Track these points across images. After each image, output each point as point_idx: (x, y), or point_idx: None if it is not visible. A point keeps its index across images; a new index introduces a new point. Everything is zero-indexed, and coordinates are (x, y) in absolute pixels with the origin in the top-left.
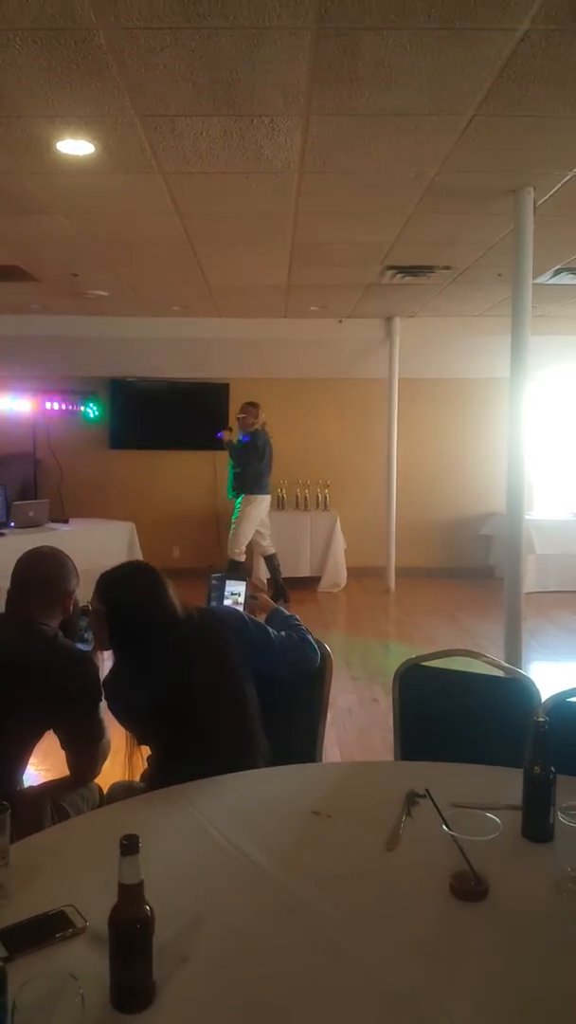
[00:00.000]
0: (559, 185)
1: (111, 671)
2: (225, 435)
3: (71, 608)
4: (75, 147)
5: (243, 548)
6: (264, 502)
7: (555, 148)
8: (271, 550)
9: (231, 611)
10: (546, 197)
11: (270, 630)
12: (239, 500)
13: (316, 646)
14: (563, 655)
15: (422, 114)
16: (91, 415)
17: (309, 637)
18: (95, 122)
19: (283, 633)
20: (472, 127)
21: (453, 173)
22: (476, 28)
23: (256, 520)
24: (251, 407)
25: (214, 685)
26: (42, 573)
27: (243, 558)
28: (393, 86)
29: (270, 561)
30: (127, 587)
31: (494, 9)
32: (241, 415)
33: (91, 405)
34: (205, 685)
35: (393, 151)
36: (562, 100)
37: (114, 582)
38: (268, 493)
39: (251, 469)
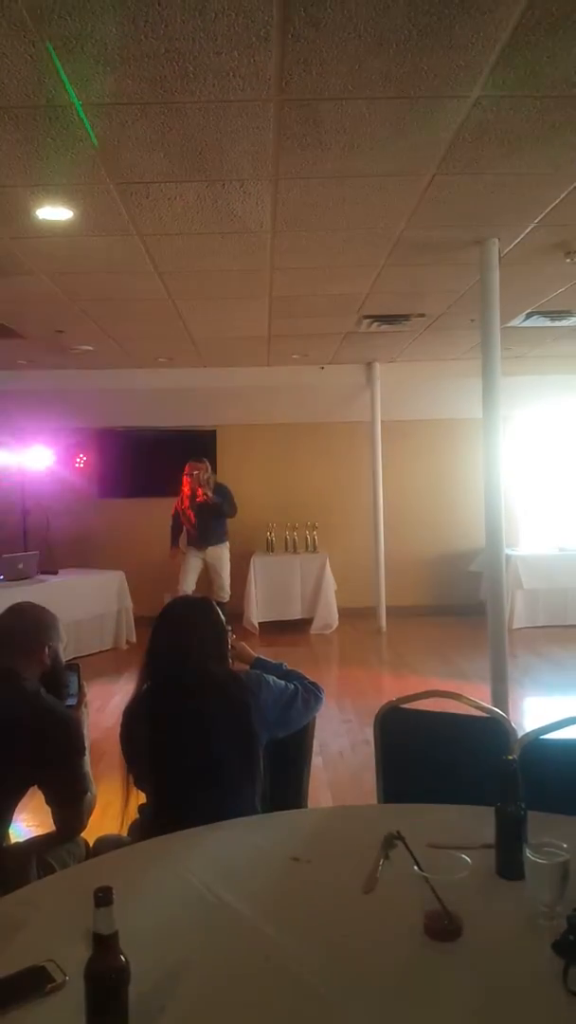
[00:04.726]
0: (523, 235)
1: (132, 696)
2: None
3: (47, 661)
4: (54, 213)
5: None
6: None
7: (515, 202)
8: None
9: (260, 679)
10: (511, 247)
11: (286, 688)
12: (220, 547)
13: (318, 689)
14: (553, 690)
15: (385, 175)
16: (79, 465)
17: (307, 682)
18: (72, 190)
19: (291, 685)
20: (434, 185)
21: (419, 228)
22: (430, 96)
23: None
24: (202, 463)
25: (216, 744)
26: (18, 628)
27: None
28: (355, 150)
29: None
30: (169, 617)
31: (445, 79)
32: (205, 473)
33: (79, 456)
34: (203, 740)
35: (360, 210)
36: (517, 158)
37: (165, 611)
38: None
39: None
